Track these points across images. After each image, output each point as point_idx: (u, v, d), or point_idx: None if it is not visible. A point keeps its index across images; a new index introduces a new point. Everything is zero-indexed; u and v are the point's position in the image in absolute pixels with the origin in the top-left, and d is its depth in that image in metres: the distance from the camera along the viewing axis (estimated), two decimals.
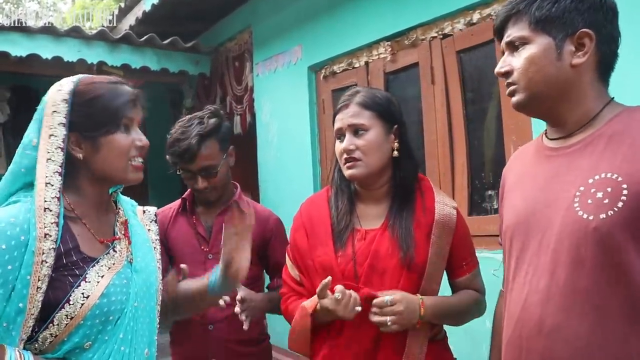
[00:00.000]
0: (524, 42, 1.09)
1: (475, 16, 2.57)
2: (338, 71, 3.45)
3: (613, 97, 1.11)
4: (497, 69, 1.15)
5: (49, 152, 1.12)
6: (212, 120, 1.84)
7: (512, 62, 1.12)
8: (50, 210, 1.09)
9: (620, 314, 0.95)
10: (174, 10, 4.25)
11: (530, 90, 1.10)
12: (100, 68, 4.09)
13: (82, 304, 1.09)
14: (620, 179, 0.97)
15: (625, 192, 0.96)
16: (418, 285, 1.45)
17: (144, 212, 1.40)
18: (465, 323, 1.56)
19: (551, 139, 1.15)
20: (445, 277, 1.55)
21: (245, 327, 1.66)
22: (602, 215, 0.97)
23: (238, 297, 1.67)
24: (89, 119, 1.16)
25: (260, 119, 4.16)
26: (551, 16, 1.06)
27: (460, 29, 2.65)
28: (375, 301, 1.39)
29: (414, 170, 1.56)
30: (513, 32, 1.11)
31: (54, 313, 1.08)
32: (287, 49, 3.82)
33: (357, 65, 3.29)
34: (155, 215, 1.42)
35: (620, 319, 0.95)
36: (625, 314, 0.95)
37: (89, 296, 1.10)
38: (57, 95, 1.16)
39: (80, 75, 1.22)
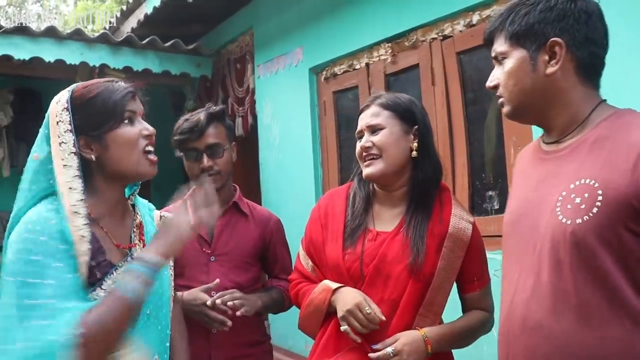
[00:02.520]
0: (504, 56, 1.14)
1: (475, 17, 2.58)
2: (339, 73, 3.46)
3: (605, 99, 1.12)
4: (487, 83, 1.20)
5: (63, 159, 1.14)
6: (218, 107, 1.93)
7: (498, 76, 1.17)
8: (79, 213, 1.12)
9: (598, 314, 0.98)
10: (176, 12, 4.25)
11: (513, 102, 1.14)
12: (103, 71, 4.10)
13: None
14: (596, 185, 1.00)
15: (600, 198, 0.98)
16: (424, 296, 1.44)
17: (161, 217, 1.40)
18: (471, 344, 1.54)
19: (547, 143, 1.18)
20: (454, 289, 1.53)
21: (238, 313, 1.72)
22: (578, 220, 1.00)
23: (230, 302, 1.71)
24: (91, 119, 1.19)
25: (262, 120, 4.17)
26: (523, 30, 1.10)
27: (460, 30, 2.65)
28: (378, 356, 1.37)
29: (434, 173, 1.54)
30: (496, 48, 1.16)
31: None
32: (288, 51, 3.83)
33: (358, 66, 3.30)
34: None
35: (598, 319, 0.98)
36: (602, 314, 0.98)
37: None
38: (58, 107, 1.19)
39: (74, 84, 1.25)
